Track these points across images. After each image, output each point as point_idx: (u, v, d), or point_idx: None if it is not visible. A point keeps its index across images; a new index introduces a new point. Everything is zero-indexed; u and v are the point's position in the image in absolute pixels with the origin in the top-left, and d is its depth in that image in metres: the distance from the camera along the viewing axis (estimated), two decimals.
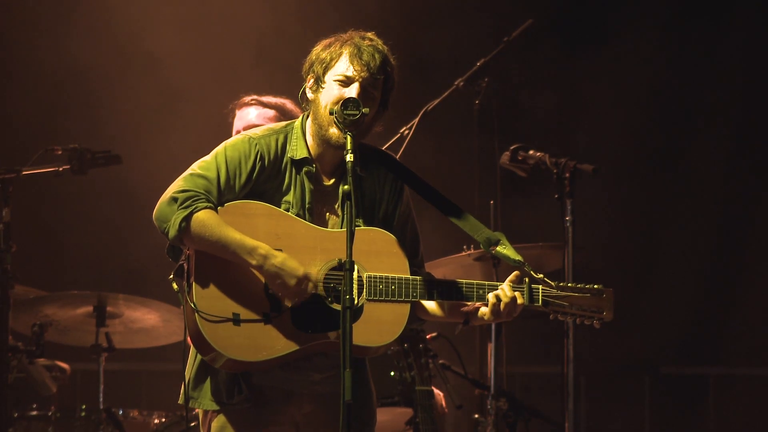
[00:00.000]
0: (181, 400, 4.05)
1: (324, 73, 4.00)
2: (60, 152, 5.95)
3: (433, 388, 5.88)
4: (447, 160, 8.03)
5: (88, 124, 8.15)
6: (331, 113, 3.89)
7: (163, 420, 6.31)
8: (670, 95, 8.80)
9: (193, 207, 3.87)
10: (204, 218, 3.86)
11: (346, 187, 3.73)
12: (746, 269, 8.79)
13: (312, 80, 4.04)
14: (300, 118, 4.13)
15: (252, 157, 3.98)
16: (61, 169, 5.95)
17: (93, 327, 6.28)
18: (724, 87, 8.69)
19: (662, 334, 8.73)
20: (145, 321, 6.37)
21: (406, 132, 6.20)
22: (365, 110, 3.84)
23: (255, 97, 5.73)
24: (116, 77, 8.43)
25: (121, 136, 8.08)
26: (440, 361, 5.91)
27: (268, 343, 3.88)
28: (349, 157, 3.77)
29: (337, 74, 3.97)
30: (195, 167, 3.97)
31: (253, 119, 5.60)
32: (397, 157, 5.91)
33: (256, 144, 4.00)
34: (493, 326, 6.46)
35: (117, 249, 8.39)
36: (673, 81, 8.78)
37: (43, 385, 6.43)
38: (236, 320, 3.88)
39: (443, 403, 6.18)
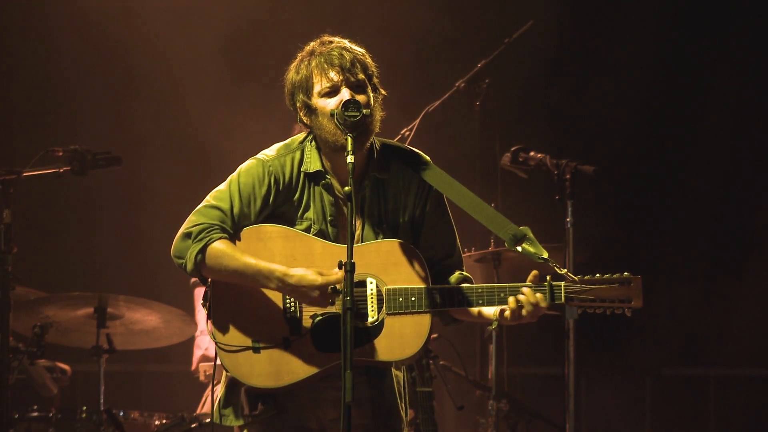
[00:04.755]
0: (215, 419, 4.02)
1: (309, 98, 3.96)
2: (60, 153, 5.95)
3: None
4: (447, 161, 8.00)
5: (89, 125, 8.14)
6: (332, 114, 3.86)
7: (164, 421, 6.31)
8: (670, 95, 8.80)
9: (208, 239, 3.88)
10: (219, 249, 3.86)
11: (347, 188, 3.70)
12: (746, 269, 8.78)
13: (303, 110, 3.99)
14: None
15: (266, 182, 3.96)
16: (61, 170, 5.95)
17: (94, 328, 6.26)
18: (725, 87, 8.68)
19: (663, 335, 8.73)
20: (146, 322, 6.36)
21: (407, 133, 6.21)
22: (366, 111, 3.82)
23: None
24: (116, 79, 8.43)
25: (122, 137, 8.08)
26: (441, 362, 5.90)
27: (289, 368, 3.86)
28: (350, 159, 3.74)
29: (320, 90, 3.95)
30: (209, 198, 3.96)
31: None
32: None
33: (270, 166, 3.97)
34: None
35: (118, 250, 8.38)
36: (674, 80, 8.78)
37: (43, 387, 6.43)
38: (256, 348, 3.87)
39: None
